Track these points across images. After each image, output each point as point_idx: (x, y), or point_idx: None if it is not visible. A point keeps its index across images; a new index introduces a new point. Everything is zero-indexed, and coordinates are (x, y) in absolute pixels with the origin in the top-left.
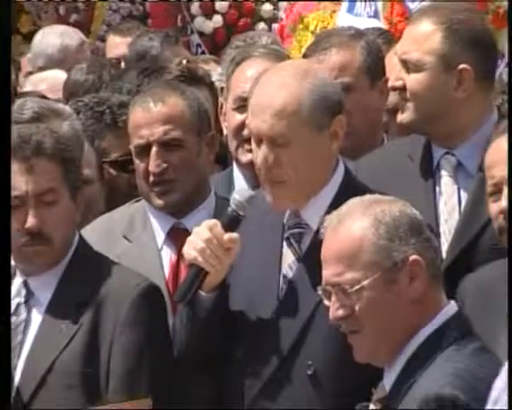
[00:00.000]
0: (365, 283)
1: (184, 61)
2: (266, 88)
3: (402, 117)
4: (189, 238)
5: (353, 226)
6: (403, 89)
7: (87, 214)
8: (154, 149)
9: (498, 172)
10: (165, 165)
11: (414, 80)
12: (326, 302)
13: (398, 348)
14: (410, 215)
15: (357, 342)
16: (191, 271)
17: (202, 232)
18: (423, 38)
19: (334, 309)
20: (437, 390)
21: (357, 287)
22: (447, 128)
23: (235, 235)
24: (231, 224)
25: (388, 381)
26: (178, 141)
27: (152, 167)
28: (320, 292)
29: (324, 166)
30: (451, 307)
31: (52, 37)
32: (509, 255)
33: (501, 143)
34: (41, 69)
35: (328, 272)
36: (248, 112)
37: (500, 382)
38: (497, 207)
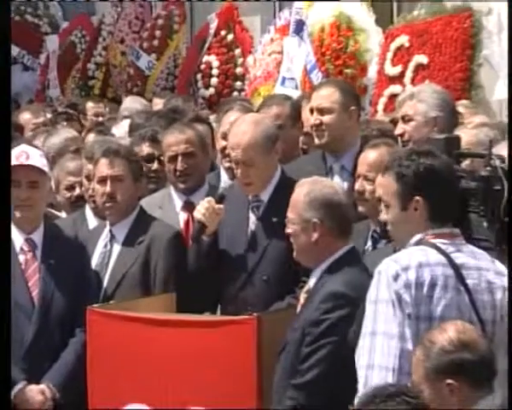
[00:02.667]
0: (294, 226)
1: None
2: (237, 133)
3: (320, 141)
4: (197, 207)
5: (301, 191)
6: (320, 125)
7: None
8: (179, 158)
9: (360, 168)
10: (185, 166)
11: (328, 118)
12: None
13: (317, 262)
14: (326, 195)
15: (296, 253)
16: (197, 225)
17: (204, 204)
18: (329, 95)
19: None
20: (337, 288)
21: (292, 225)
22: (341, 145)
23: (221, 206)
24: (220, 199)
25: (312, 281)
26: (192, 154)
27: (179, 167)
28: (287, 221)
29: (271, 171)
30: (349, 246)
31: (136, 102)
32: (509, 256)
33: (366, 154)
34: (125, 117)
35: (288, 213)
36: (228, 147)
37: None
38: (356, 185)
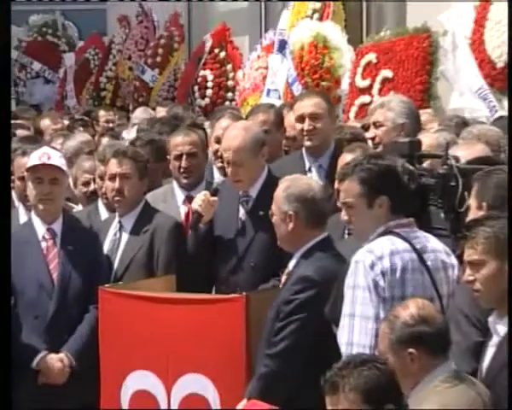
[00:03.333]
0: (275, 217)
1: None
2: (229, 137)
3: (313, 143)
4: (195, 199)
5: (281, 187)
6: (313, 129)
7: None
8: (184, 157)
9: (339, 169)
10: (189, 164)
11: (320, 124)
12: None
13: (296, 248)
14: (301, 191)
15: (279, 240)
16: (195, 214)
17: (200, 196)
18: (318, 103)
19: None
20: (306, 272)
21: (274, 216)
22: (324, 147)
23: (215, 198)
24: (214, 193)
25: (291, 264)
26: (195, 154)
27: (183, 164)
28: (270, 213)
29: (258, 170)
30: (324, 235)
31: (144, 113)
32: (510, 256)
33: (344, 156)
34: (134, 124)
35: (272, 206)
36: (221, 149)
37: (347, 280)
38: (336, 184)
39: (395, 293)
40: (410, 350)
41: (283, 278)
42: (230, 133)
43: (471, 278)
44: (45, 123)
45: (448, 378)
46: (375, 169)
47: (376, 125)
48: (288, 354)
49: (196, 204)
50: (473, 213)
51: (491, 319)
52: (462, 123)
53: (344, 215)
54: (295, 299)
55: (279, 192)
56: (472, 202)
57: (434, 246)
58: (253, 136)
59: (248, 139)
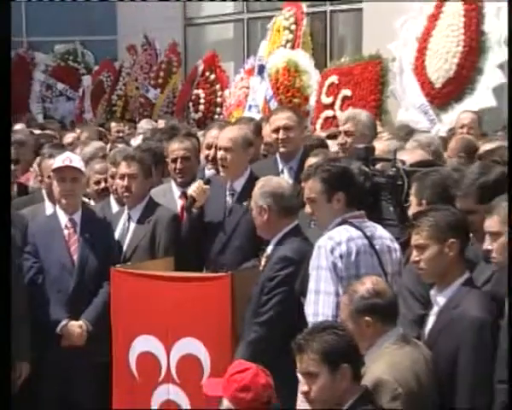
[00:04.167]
0: (253, 211)
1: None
2: (226, 130)
3: (285, 149)
4: (191, 187)
5: (257, 185)
6: (287, 138)
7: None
8: (179, 160)
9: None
10: (183, 166)
11: (293, 134)
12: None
13: (272, 235)
14: (272, 188)
15: (257, 229)
16: (190, 199)
17: (195, 184)
18: (291, 117)
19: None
20: (285, 253)
21: (252, 210)
22: (294, 153)
23: (207, 186)
24: (206, 182)
25: (269, 249)
26: (188, 158)
27: (178, 166)
28: (250, 207)
29: (243, 166)
30: (294, 223)
31: (148, 124)
32: (510, 260)
33: (310, 160)
34: (140, 133)
35: (251, 201)
36: (218, 139)
37: (312, 262)
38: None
39: (351, 272)
40: (366, 318)
41: (263, 261)
42: (227, 129)
43: (417, 258)
44: (84, 134)
45: (396, 341)
46: (334, 170)
47: (347, 133)
48: (274, 321)
49: (191, 190)
50: (413, 209)
51: (432, 292)
52: (410, 132)
53: (308, 209)
54: (277, 275)
55: (255, 190)
56: (412, 198)
57: (381, 233)
58: (245, 134)
59: (240, 134)
